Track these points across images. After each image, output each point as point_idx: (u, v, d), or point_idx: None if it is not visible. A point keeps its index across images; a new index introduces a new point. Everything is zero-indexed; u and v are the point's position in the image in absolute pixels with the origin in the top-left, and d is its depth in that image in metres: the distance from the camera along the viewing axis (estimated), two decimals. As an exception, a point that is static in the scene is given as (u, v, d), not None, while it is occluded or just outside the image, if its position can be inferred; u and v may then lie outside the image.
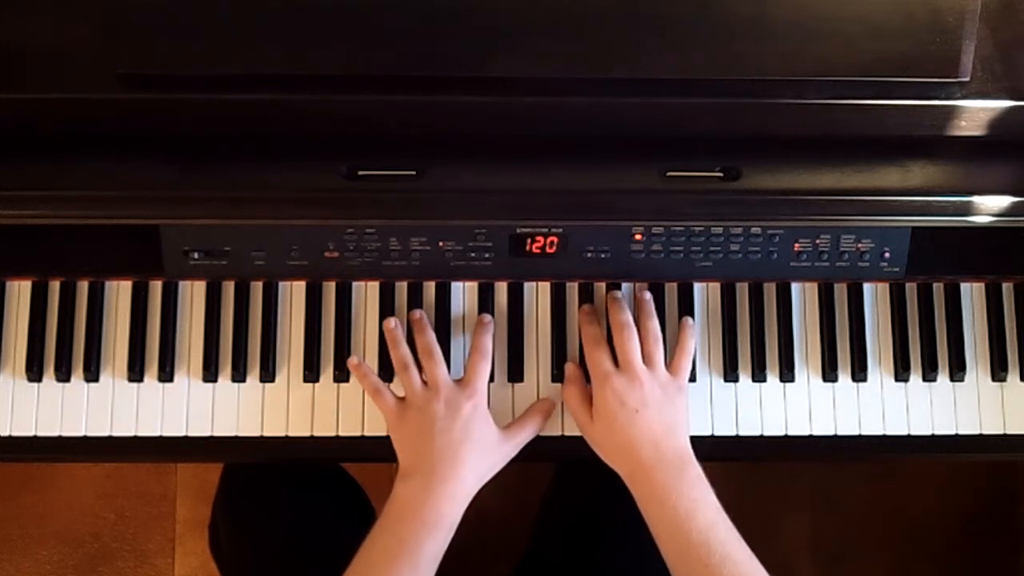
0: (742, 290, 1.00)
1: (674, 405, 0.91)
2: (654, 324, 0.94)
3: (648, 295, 0.96)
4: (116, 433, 0.97)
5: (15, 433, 0.97)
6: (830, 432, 0.98)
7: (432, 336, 0.95)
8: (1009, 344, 0.99)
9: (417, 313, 0.96)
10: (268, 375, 0.97)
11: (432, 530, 0.86)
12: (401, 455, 0.91)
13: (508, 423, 0.95)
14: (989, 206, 0.86)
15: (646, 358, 0.92)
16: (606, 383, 0.90)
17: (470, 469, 0.89)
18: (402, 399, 0.93)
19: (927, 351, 0.99)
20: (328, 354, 0.98)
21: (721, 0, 0.82)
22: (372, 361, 0.98)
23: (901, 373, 0.99)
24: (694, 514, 0.84)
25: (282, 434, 0.97)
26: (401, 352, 0.94)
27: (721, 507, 0.86)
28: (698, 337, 0.98)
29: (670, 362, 0.94)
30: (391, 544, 0.86)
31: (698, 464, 0.88)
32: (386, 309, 0.98)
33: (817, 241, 0.95)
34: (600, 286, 0.99)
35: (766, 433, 0.98)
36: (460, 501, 0.88)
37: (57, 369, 0.97)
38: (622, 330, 0.93)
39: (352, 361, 0.96)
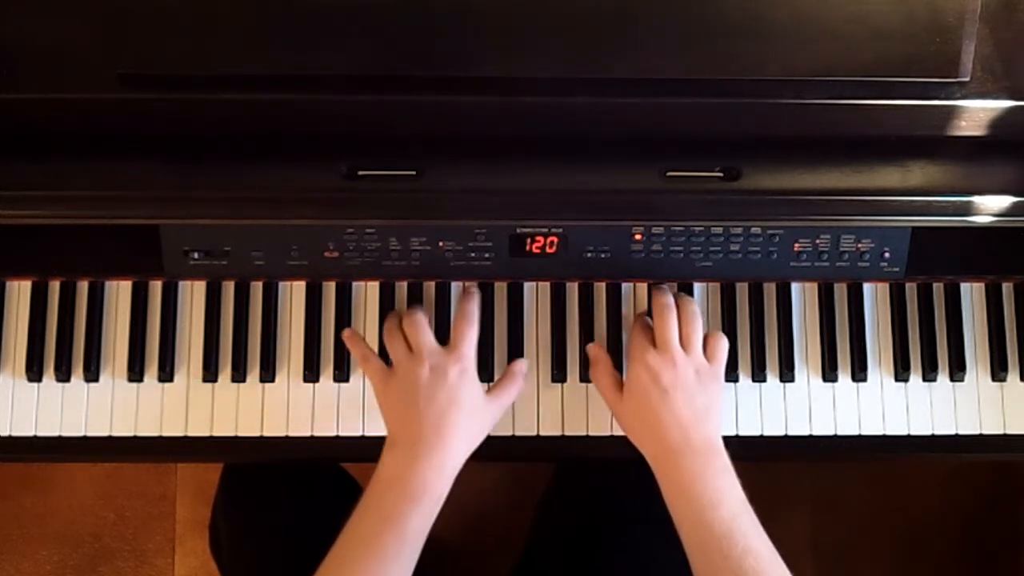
0: (742, 290, 1.00)
1: (707, 392, 0.89)
2: (693, 307, 0.93)
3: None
4: (116, 433, 0.97)
5: (15, 433, 0.97)
6: (830, 432, 0.98)
7: (420, 310, 0.94)
8: (1009, 344, 0.99)
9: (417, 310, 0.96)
10: (268, 375, 0.97)
11: (418, 502, 0.84)
12: (388, 424, 0.90)
13: (491, 386, 0.94)
14: (989, 206, 0.86)
15: (683, 340, 0.91)
16: (641, 359, 0.90)
17: (457, 436, 0.87)
18: (391, 367, 0.93)
19: (927, 351, 0.99)
20: (328, 354, 0.98)
21: (721, 0, 0.82)
22: (372, 361, 0.97)
23: (901, 373, 0.99)
24: (718, 504, 0.83)
25: (282, 434, 0.97)
26: (391, 322, 0.94)
27: (747, 500, 0.85)
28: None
29: (705, 348, 0.92)
30: (376, 518, 0.84)
31: (726, 455, 0.87)
32: (386, 309, 0.98)
33: (817, 241, 0.95)
34: (600, 286, 0.99)
35: (766, 433, 0.98)
36: (448, 471, 0.87)
37: (57, 369, 0.97)
38: (662, 310, 0.92)
39: (346, 332, 0.96)
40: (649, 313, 0.96)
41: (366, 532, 0.84)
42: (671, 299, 0.93)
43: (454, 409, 0.87)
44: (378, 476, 0.87)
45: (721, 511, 0.83)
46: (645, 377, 0.89)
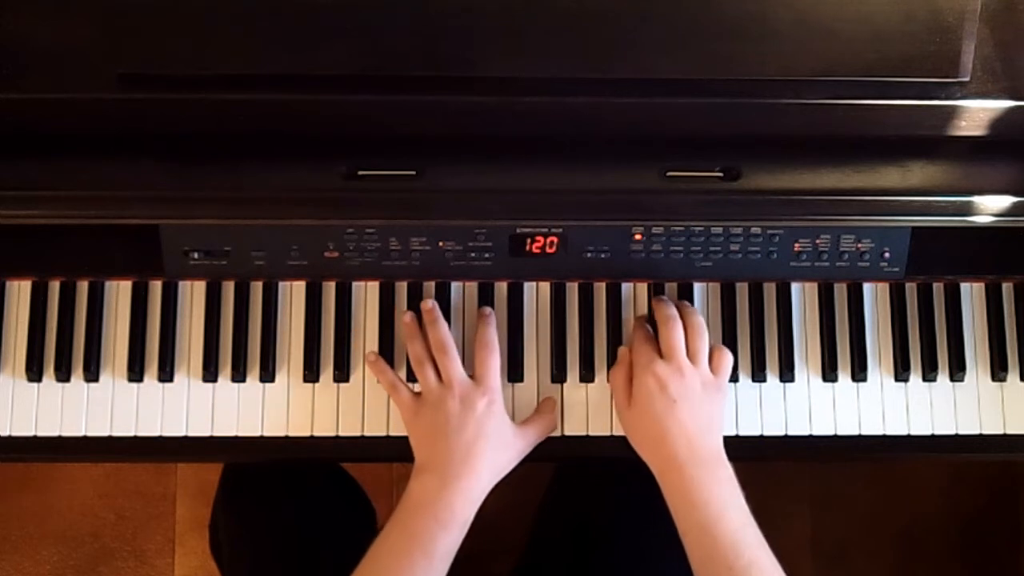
0: (742, 290, 1.00)
1: (712, 403, 0.90)
2: (699, 319, 0.93)
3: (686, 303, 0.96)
4: (116, 433, 0.97)
5: (15, 433, 0.97)
6: (830, 432, 0.98)
7: (445, 329, 0.94)
8: (1009, 344, 0.99)
9: (429, 303, 0.96)
10: (268, 375, 0.97)
11: (445, 526, 0.86)
12: (416, 451, 0.92)
13: (523, 420, 0.95)
14: (989, 206, 0.86)
15: (690, 352, 0.91)
16: (648, 367, 0.90)
17: (484, 466, 0.89)
18: (418, 395, 0.93)
19: (927, 351, 0.99)
20: (328, 354, 0.98)
21: (721, 0, 0.82)
22: (372, 361, 0.97)
23: (901, 373, 0.99)
24: (723, 515, 0.84)
25: (282, 434, 0.97)
26: (417, 347, 0.94)
27: (750, 512, 0.85)
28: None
29: (710, 361, 0.93)
30: (404, 539, 0.86)
31: (731, 466, 0.88)
32: (386, 309, 0.98)
33: (817, 241, 0.95)
34: (600, 286, 0.99)
35: (766, 433, 0.98)
36: (474, 499, 0.88)
37: (57, 369, 0.97)
38: (667, 322, 0.92)
39: (371, 356, 0.96)
40: (649, 319, 0.96)
41: (394, 551, 0.86)
42: (674, 310, 0.93)
43: (482, 440, 0.89)
44: (406, 500, 0.88)
45: (727, 522, 0.83)
46: (653, 386, 0.89)
